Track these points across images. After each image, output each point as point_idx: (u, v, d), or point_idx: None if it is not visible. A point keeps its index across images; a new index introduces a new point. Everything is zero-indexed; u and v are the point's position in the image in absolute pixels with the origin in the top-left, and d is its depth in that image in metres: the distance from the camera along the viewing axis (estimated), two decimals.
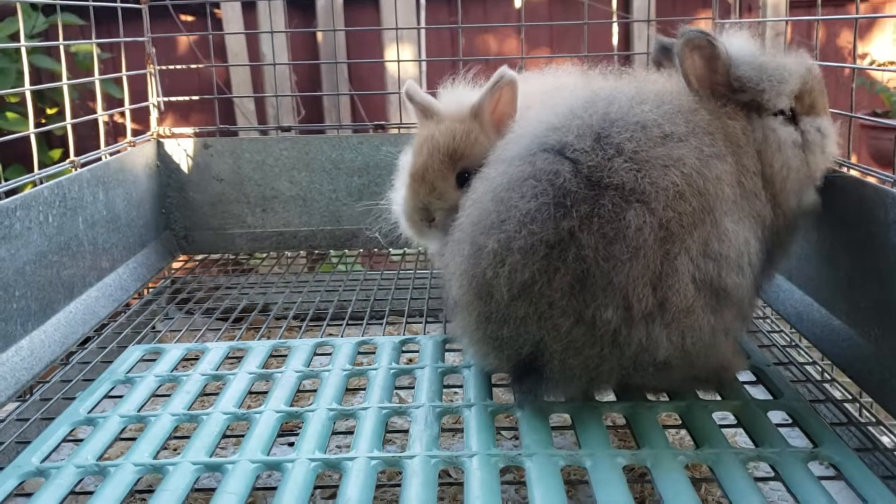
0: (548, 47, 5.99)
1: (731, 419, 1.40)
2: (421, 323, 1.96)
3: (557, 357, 1.30)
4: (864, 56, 6.31)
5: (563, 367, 1.31)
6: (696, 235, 1.28)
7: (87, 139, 2.60)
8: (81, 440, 1.36)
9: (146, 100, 2.51)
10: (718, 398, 1.42)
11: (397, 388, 1.54)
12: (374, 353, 1.67)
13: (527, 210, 1.28)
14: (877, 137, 5.90)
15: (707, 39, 1.42)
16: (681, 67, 1.44)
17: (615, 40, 3.34)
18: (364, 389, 1.51)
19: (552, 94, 1.58)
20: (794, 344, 1.79)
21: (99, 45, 2.17)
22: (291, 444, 1.58)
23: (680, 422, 1.39)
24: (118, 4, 2.26)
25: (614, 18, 3.23)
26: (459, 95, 1.71)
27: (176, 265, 2.49)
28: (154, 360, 1.67)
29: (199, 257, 2.55)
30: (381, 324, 1.95)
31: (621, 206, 1.26)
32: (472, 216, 1.38)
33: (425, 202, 1.62)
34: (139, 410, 1.46)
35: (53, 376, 1.71)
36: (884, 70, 5.44)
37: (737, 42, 1.47)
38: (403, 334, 1.83)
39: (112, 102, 3.11)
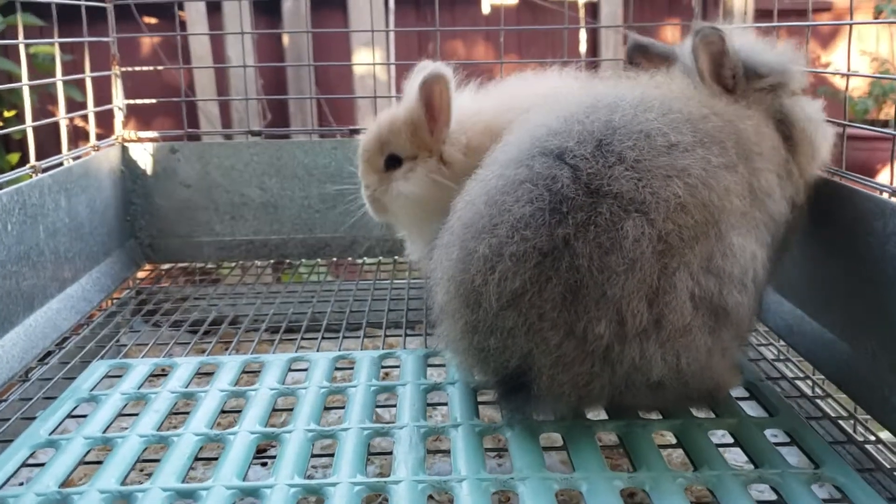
0: (516, 53, 5.96)
1: (726, 437, 1.35)
2: (400, 336, 1.89)
3: (546, 372, 1.24)
4: (826, 64, 6.37)
5: (551, 384, 1.25)
6: (698, 250, 1.23)
7: (46, 143, 2.49)
8: (42, 464, 1.27)
9: (107, 103, 2.41)
10: (713, 416, 1.37)
11: (377, 406, 1.47)
12: (351, 368, 1.60)
13: (521, 215, 1.23)
14: (838, 145, 5.96)
15: (718, 35, 1.41)
16: (696, 63, 1.43)
17: (583, 47, 3.32)
18: (343, 408, 1.44)
19: (552, 97, 1.55)
20: (783, 358, 1.75)
21: (60, 46, 2.07)
22: (265, 465, 1.50)
23: (675, 441, 1.34)
24: (82, 3, 2.16)
25: (581, 24, 3.20)
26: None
27: (141, 275, 2.40)
28: (120, 377, 1.58)
29: (166, 266, 2.45)
30: (359, 336, 1.88)
31: (619, 216, 1.21)
32: (463, 218, 1.32)
33: (365, 181, 1.79)
34: (105, 431, 1.37)
35: (11, 394, 1.62)
36: (879, 78, 5.49)
37: (742, 38, 1.48)
38: (382, 348, 1.77)
39: (73, 105, 2.99)
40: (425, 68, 1.70)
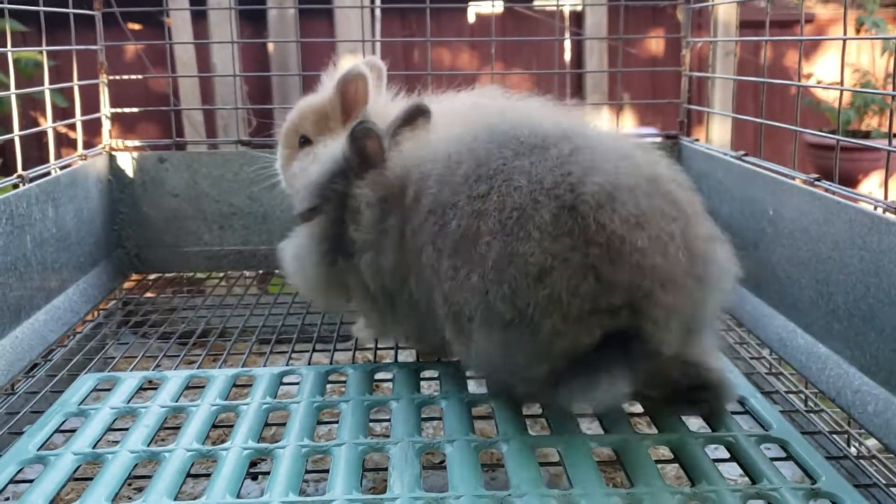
0: (501, 61, 5.97)
1: (721, 451, 1.34)
2: (391, 348, 1.87)
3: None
4: (808, 76, 6.43)
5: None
6: None
7: (28, 148, 2.46)
8: (30, 481, 1.25)
9: (92, 109, 2.38)
10: (709, 430, 1.37)
11: (370, 420, 1.46)
12: (343, 381, 1.59)
13: None
14: (823, 157, 6.02)
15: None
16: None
17: (567, 56, 3.33)
18: (336, 422, 1.42)
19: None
20: (775, 372, 1.75)
21: (40, 52, 2.05)
22: (255, 478, 1.49)
23: (669, 455, 1.33)
24: (70, 11, 2.14)
25: (567, 35, 3.21)
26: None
27: (128, 285, 2.37)
28: (108, 390, 1.56)
29: (153, 277, 2.43)
30: (350, 349, 1.86)
31: None
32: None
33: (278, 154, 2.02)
34: (94, 447, 1.35)
35: None
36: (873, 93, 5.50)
37: None
38: (374, 360, 1.75)
39: (55, 111, 2.97)
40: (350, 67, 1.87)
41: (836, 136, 1.60)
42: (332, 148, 1.60)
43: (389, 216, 1.44)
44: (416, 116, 1.54)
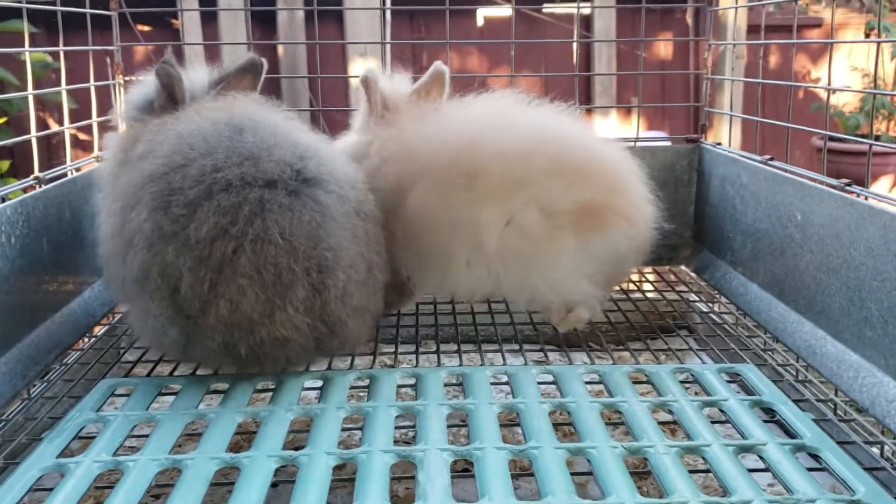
0: (507, 65, 5.95)
1: (749, 458, 1.32)
2: (412, 353, 1.85)
3: None
4: (816, 80, 6.41)
5: None
6: None
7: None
8: (49, 489, 1.22)
9: (103, 110, 2.35)
10: (742, 440, 1.34)
11: (396, 427, 1.43)
12: (366, 386, 1.57)
13: None
14: (833, 161, 6.01)
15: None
16: None
17: (575, 60, 3.31)
18: (361, 429, 1.40)
19: None
20: (803, 379, 1.72)
21: (48, 53, 2.03)
22: (275, 486, 1.46)
23: (703, 465, 1.31)
24: (87, 11, 2.12)
25: (576, 37, 3.17)
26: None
27: None
28: (126, 395, 1.54)
29: None
30: (371, 353, 1.83)
31: None
32: None
33: None
34: (115, 454, 1.32)
35: (14, 413, 1.57)
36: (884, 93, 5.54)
37: None
38: (394, 364, 1.73)
39: (62, 113, 2.94)
40: None
41: (868, 141, 1.57)
42: (149, 80, 1.75)
43: (122, 166, 1.63)
44: (248, 68, 1.78)
